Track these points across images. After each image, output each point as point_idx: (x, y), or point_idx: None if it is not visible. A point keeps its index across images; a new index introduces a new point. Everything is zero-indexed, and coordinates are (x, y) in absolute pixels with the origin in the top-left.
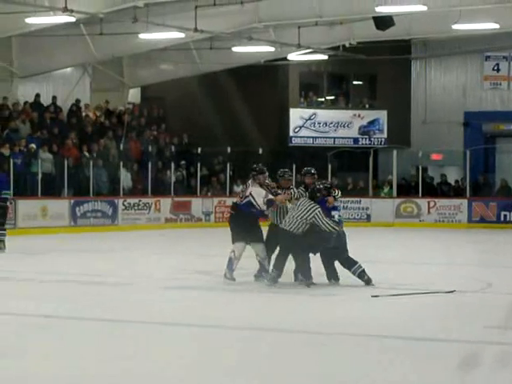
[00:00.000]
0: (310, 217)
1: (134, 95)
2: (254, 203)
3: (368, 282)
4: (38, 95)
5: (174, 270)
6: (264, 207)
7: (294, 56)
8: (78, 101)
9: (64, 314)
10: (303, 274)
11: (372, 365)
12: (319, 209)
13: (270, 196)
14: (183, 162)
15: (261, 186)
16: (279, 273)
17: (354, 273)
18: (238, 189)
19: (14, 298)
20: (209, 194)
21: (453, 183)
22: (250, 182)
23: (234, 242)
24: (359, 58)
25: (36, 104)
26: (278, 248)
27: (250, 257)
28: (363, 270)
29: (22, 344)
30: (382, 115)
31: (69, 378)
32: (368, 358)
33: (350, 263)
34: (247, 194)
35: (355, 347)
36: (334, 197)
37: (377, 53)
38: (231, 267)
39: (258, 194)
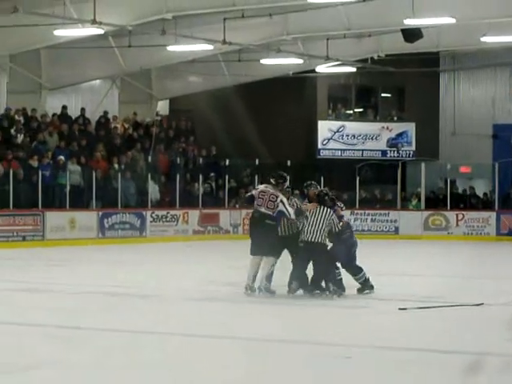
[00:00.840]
0: (328, 222)
1: (162, 107)
2: (286, 212)
3: (371, 288)
4: (64, 107)
5: (202, 282)
6: (294, 216)
7: (323, 68)
8: (106, 113)
9: (93, 325)
10: (336, 284)
11: (399, 378)
12: (333, 213)
13: (300, 205)
14: (212, 175)
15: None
16: (301, 283)
17: (358, 279)
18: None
19: (42, 310)
20: (237, 206)
21: (481, 196)
22: (268, 187)
23: (272, 255)
24: (387, 70)
25: (63, 116)
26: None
27: (278, 269)
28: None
29: (50, 355)
30: (411, 128)
31: None
32: (394, 372)
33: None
34: (278, 202)
35: (381, 360)
36: (341, 208)
37: (405, 65)
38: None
39: (287, 203)
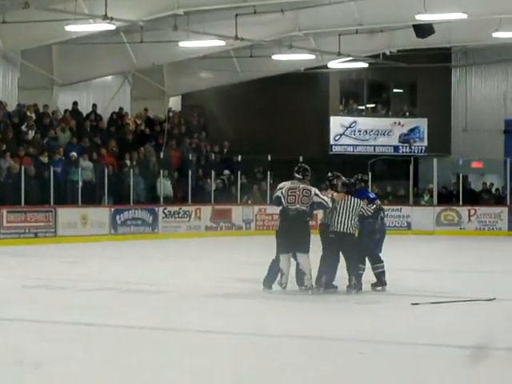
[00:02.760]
0: (356, 212)
1: (174, 103)
2: (323, 202)
3: (384, 284)
4: (75, 103)
5: (214, 278)
6: (331, 205)
7: (335, 64)
8: (121, 109)
9: (104, 321)
10: (357, 279)
11: (412, 373)
12: (361, 202)
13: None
14: (226, 172)
15: None
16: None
17: (374, 269)
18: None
19: (55, 307)
20: (249, 202)
21: (493, 191)
22: (295, 183)
23: (305, 252)
24: (399, 65)
25: (75, 112)
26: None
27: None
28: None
29: (62, 352)
30: (423, 123)
31: None
32: (407, 367)
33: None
34: (312, 195)
35: (394, 355)
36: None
37: (417, 61)
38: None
39: (320, 193)
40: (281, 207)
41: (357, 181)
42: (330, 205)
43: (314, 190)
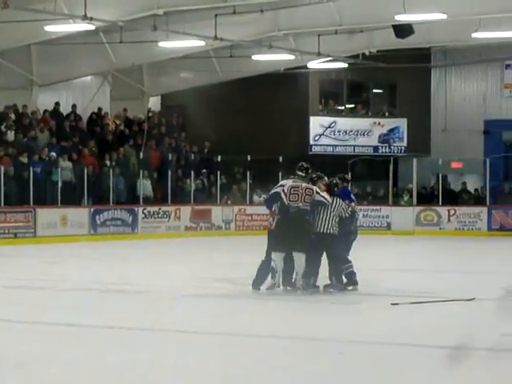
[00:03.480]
0: (337, 213)
1: (153, 103)
2: (324, 199)
3: (355, 283)
4: (57, 104)
5: (194, 278)
6: (330, 200)
7: (314, 64)
8: (100, 109)
9: (84, 322)
10: (347, 276)
11: (391, 373)
12: (342, 202)
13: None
14: (204, 171)
15: None
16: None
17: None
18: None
19: (35, 307)
20: (229, 202)
21: (472, 191)
22: (297, 181)
23: (303, 251)
24: (379, 66)
25: (55, 112)
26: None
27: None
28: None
29: (43, 353)
30: (402, 123)
31: None
32: (386, 367)
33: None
34: (315, 194)
35: (373, 356)
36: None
37: (396, 61)
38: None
39: (321, 191)
40: (279, 204)
41: (339, 180)
42: (330, 201)
43: (315, 188)
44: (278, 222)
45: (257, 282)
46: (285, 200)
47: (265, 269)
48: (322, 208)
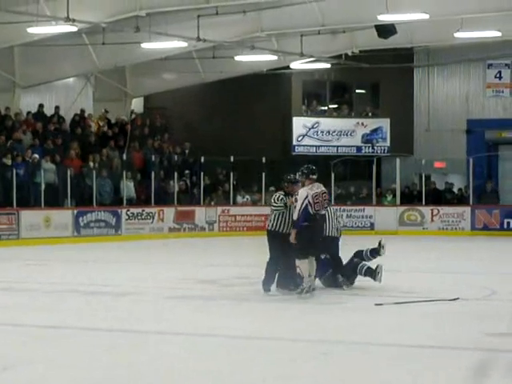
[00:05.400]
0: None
1: (136, 105)
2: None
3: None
4: (41, 105)
5: (178, 280)
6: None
7: (297, 65)
8: (82, 111)
9: (69, 324)
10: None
11: (373, 374)
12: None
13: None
14: (187, 172)
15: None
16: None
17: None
18: (242, 199)
19: (19, 309)
20: (212, 203)
21: (456, 191)
22: (314, 187)
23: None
24: (362, 66)
25: (39, 114)
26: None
27: (254, 266)
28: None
29: (28, 355)
30: (385, 123)
31: None
32: (369, 367)
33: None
34: (327, 195)
35: (355, 356)
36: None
37: (379, 61)
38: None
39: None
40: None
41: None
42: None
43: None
44: (309, 229)
45: (266, 283)
46: (310, 210)
47: (273, 269)
48: (330, 215)
